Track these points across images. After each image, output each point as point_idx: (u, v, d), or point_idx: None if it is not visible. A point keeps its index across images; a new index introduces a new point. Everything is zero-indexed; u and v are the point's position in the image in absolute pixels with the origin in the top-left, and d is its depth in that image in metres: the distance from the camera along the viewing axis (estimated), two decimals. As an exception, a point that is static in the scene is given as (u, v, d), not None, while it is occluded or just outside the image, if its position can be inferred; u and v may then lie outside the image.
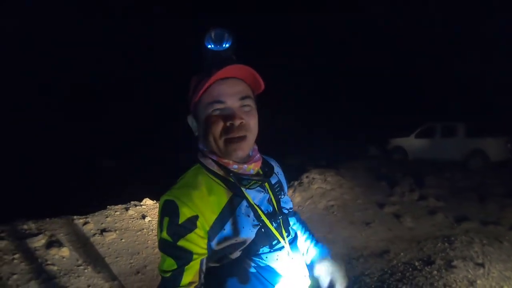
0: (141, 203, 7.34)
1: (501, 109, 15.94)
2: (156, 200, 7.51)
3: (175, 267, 1.01)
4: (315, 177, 8.76)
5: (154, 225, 6.53)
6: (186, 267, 1.01)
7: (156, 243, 5.92)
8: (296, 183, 8.82)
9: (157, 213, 6.95)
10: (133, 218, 6.67)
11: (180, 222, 1.03)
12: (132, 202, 7.31)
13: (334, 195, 8.18)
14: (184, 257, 1.02)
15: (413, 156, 13.26)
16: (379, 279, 4.62)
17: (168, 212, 1.05)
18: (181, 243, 1.02)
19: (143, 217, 6.73)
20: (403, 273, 4.60)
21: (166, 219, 1.05)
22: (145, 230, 6.33)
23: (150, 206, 7.26)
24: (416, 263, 4.82)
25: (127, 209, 6.90)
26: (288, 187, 8.44)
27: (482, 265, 4.51)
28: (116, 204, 7.07)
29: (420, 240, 5.87)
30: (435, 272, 4.43)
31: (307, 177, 8.87)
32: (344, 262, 5.25)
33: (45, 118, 20.11)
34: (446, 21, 23.72)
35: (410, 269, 4.68)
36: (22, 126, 18.64)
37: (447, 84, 20.97)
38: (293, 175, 9.34)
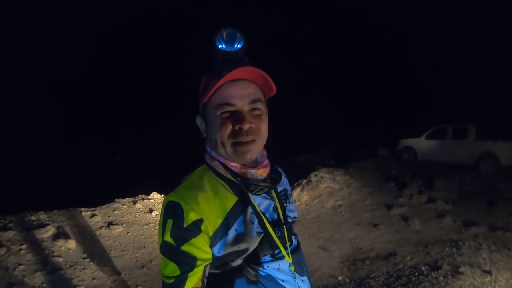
0: (149, 197, 7.37)
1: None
2: (164, 194, 7.53)
3: (178, 273, 0.97)
4: (324, 176, 8.72)
5: (160, 220, 6.54)
6: (190, 273, 0.97)
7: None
8: (304, 181, 8.77)
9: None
10: (140, 211, 6.69)
11: (185, 226, 0.99)
12: (139, 196, 7.34)
13: (342, 194, 8.15)
14: (188, 262, 0.98)
15: (423, 158, 13.13)
16: (384, 282, 4.59)
17: (173, 214, 1.01)
18: (185, 247, 0.98)
19: (150, 211, 6.75)
20: (409, 277, 4.57)
21: (170, 222, 1.01)
22: (151, 224, 6.35)
23: (157, 200, 7.28)
24: (423, 268, 4.79)
25: (134, 202, 6.93)
26: (296, 185, 8.48)
27: (489, 272, 4.47)
28: (124, 197, 7.09)
29: (427, 244, 5.83)
30: (441, 278, 4.39)
31: (315, 175, 8.82)
32: (350, 263, 5.27)
33: (61, 114, 20.35)
34: (458, 21, 23.44)
35: (416, 273, 4.64)
36: (37, 121, 18.87)
37: (459, 85, 20.75)
38: (302, 173, 9.31)
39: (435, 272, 4.57)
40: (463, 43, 22.26)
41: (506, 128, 12.05)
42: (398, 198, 8.19)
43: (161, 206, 1.08)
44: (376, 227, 6.70)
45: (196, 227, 1.00)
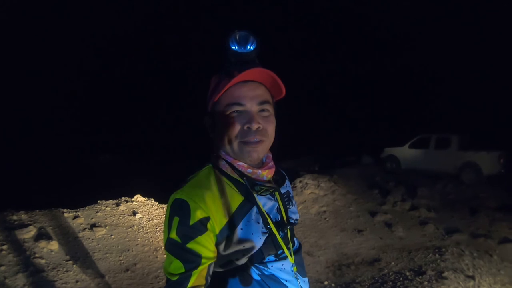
0: (132, 199, 7.28)
1: (496, 123, 15.96)
2: (148, 197, 7.46)
3: (183, 270, 0.97)
4: (308, 182, 8.75)
5: (144, 222, 6.47)
6: (194, 271, 0.97)
7: (147, 241, 5.88)
8: (289, 187, 8.78)
9: (147, 210, 6.91)
10: (124, 214, 6.61)
11: (191, 224, 0.99)
12: (123, 198, 7.24)
13: (326, 201, 8.18)
14: (192, 260, 0.98)
15: (406, 166, 13.26)
16: (370, 287, 4.61)
17: (179, 211, 1.01)
18: (191, 245, 0.99)
19: (134, 213, 6.67)
20: (394, 282, 4.59)
21: (176, 219, 1.01)
22: (135, 227, 6.27)
23: (141, 202, 7.20)
24: (407, 273, 4.82)
25: (118, 204, 6.84)
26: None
27: (472, 277, 4.52)
28: (107, 199, 7.00)
29: (411, 250, 5.88)
30: (426, 282, 4.42)
31: (300, 181, 8.86)
32: (335, 268, 5.28)
33: (51, 113, 20.17)
34: (446, 32, 23.81)
35: (401, 278, 4.67)
36: (19, 121, 18.71)
37: (444, 96, 21.02)
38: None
39: (420, 277, 4.60)
40: (463, 44, 22.53)
41: (488, 139, 12.31)
42: (382, 205, 8.28)
43: (167, 204, 1.07)
44: (361, 233, 6.75)
45: (202, 225, 1.01)
